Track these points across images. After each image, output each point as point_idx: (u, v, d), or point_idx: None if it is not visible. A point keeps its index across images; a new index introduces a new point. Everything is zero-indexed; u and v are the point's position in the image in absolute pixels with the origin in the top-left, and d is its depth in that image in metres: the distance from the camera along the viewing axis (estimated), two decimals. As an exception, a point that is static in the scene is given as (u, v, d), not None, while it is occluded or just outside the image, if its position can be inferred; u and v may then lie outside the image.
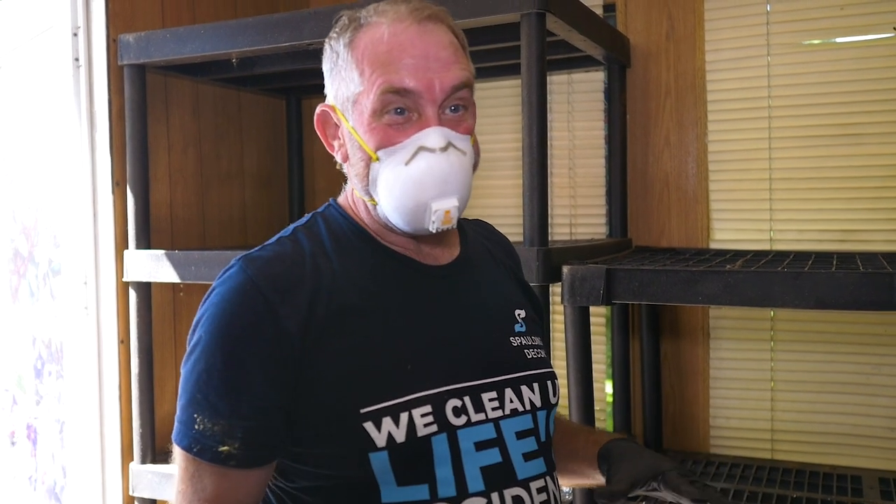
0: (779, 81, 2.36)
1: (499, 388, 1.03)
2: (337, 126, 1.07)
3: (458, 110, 1.03)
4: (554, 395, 1.10)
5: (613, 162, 2.47)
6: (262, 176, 2.87)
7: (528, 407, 1.05)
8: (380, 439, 0.93)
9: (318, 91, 2.92)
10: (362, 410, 0.94)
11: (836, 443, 2.29)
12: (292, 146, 2.97)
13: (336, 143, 1.08)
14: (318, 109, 1.09)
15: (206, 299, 1.01)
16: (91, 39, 2.26)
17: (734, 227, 2.41)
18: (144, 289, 2.24)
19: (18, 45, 2.47)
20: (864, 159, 2.26)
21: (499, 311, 1.13)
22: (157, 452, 2.26)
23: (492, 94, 2.71)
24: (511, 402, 1.04)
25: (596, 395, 2.49)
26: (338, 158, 1.09)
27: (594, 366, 1.84)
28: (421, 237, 1.08)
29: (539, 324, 1.23)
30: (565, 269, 1.72)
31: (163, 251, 2.18)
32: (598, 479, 1.16)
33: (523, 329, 1.13)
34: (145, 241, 2.23)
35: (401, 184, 0.99)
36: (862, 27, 2.27)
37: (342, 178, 1.14)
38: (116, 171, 2.26)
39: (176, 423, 0.97)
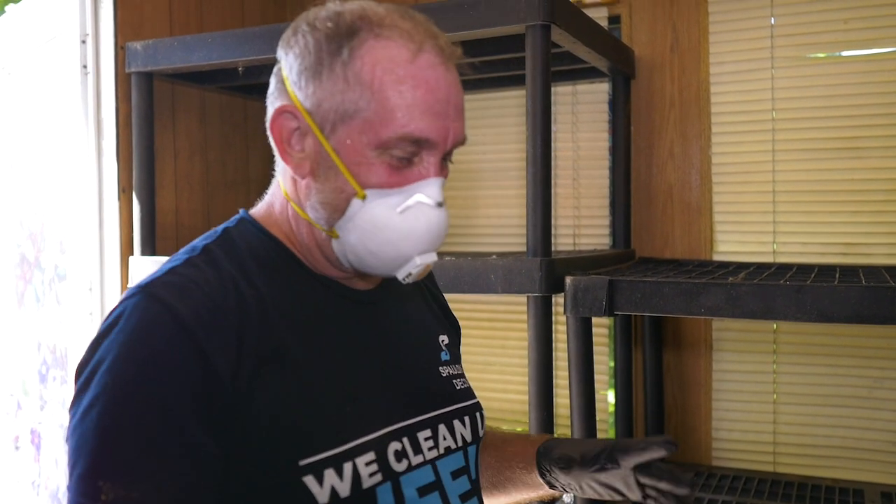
0: (782, 94, 2.36)
1: (433, 424, 0.97)
2: (301, 135, 0.91)
3: (447, 159, 0.95)
4: (482, 427, 1.06)
5: (617, 173, 2.48)
6: (267, 184, 2.87)
7: (459, 444, 1.00)
8: (322, 495, 0.82)
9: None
10: (301, 462, 0.82)
11: (838, 456, 2.29)
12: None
13: (296, 155, 0.91)
14: (276, 108, 0.91)
15: (101, 341, 0.82)
16: (99, 47, 2.27)
17: (737, 240, 2.42)
18: (149, 295, 2.24)
19: (27, 52, 2.49)
20: (867, 173, 2.27)
21: (425, 338, 1.06)
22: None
23: (496, 105, 2.72)
24: (444, 439, 0.98)
25: (598, 405, 2.50)
26: (294, 173, 0.92)
27: (596, 376, 1.84)
28: (362, 275, 0.98)
29: (457, 346, 1.16)
30: (568, 279, 1.72)
31: (167, 258, 2.18)
32: (536, 484, 1.10)
33: (448, 358, 1.07)
34: (150, 248, 2.24)
35: (389, 231, 0.89)
36: (866, 41, 2.27)
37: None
38: (123, 177, 2.27)
39: (69, 497, 0.77)
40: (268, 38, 2.06)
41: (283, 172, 0.96)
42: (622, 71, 2.41)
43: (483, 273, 1.79)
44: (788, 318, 1.57)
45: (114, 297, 2.26)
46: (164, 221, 2.40)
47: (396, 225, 0.89)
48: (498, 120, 2.71)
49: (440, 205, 0.91)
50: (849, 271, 1.98)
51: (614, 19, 2.56)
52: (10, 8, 2.58)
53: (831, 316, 1.55)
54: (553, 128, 2.56)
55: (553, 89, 2.48)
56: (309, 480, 0.82)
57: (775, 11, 2.36)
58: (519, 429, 2.69)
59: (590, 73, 2.48)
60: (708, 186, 2.44)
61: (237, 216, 0.99)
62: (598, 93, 2.60)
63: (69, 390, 2.33)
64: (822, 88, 2.32)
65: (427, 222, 0.90)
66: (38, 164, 2.45)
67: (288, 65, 0.91)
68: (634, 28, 2.53)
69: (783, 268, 2.13)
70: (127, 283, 2.24)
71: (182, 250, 0.93)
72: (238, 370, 0.81)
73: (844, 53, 2.32)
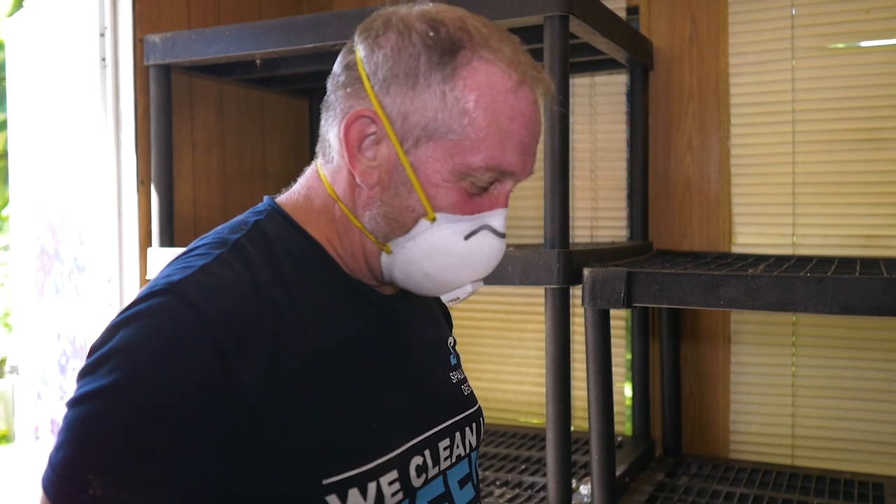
0: (803, 85, 2.34)
1: (451, 433, 0.95)
2: (377, 142, 0.84)
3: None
4: (483, 432, 1.04)
5: (635, 165, 2.47)
6: (284, 176, 2.89)
7: (467, 450, 0.98)
8: None
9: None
10: (325, 482, 0.78)
11: (857, 449, 2.27)
12: (314, 147, 2.98)
13: (367, 163, 0.85)
14: (354, 111, 0.84)
15: (119, 329, 0.76)
16: (118, 40, 2.28)
17: (756, 232, 2.40)
18: (167, 287, 2.25)
19: (46, 45, 2.50)
20: (888, 164, 2.25)
21: (437, 342, 1.02)
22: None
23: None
24: (457, 447, 0.95)
25: (615, 398, 2.49)
26: (359, 180, 0.85)
27: (613, 369, 1.83)
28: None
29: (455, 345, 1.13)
30: (586, 271, 1.72)
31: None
32: None
33: (455, 361, 1.04)
34: (169, 240, 2.25)
35: (451, 257, 0.86)
36: (887, 31, 2.25)
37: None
38: (141, 169, 2.28)
39: (53, 478, 0.73)
40: (285, 31, 2.06)
41: (336, 172, 0.89)
42: (640, 62, 2.40)
43: (501, 264, 1.77)
44: (809, 311, 1.56)
45: (132, 289, 2.28)
46: (182, 213, 2.41)
47: (460, 252, 0.86)
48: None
49: (503, 236, 0.89)
50: (870, 263, 1.97)
51: (633, 10, 2.54)
52: (28, 2, 2.60)
53: (852, 308, 1.53)
54: (570, 120, 2.54)
55: (571, 80, 2.46)
56: (332, 500, 0.78)
57: (796, 2, 2.34)
58: (535, 420, 2.69)
59: (608, 65, 2.47)
60: (727, 178, 2.42)
61: (264, 206, 0.92)
62: (616, 84, 2.59)
63: (89, 381, 2.35)
64: (842, 79, 2.30)
65: (490, 252, 0.87)
66: (58, 156, 2.47)
67: (373, 63, 0.84)
68: (653, 18, 2.51)
69: (803, 260, 2.11)
70: (145, 274, 2.25)
71: (209, 241, 0.86)
72: (268, 386, 0.76)
73: (865, 44, 2.29)
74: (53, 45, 2.47)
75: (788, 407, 2.36)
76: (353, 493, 0.79)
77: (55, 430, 2.48)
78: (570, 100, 2.54)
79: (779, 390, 2.37)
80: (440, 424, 0.93)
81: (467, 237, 0.85)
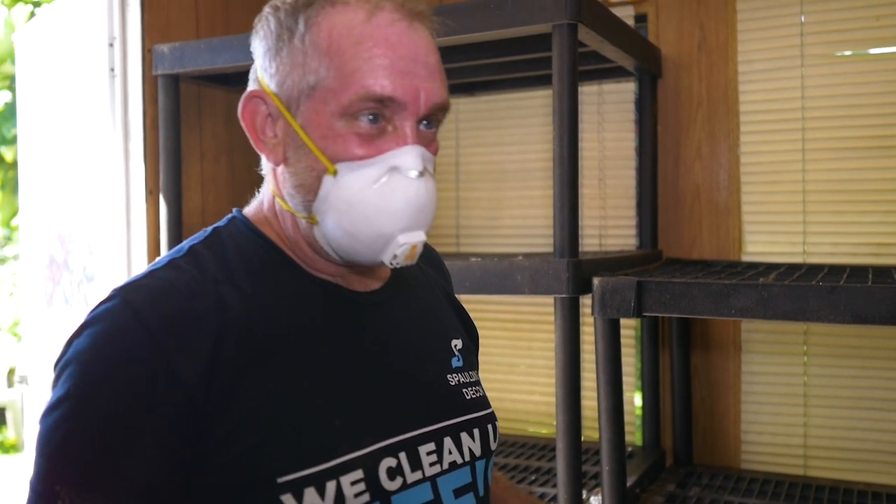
0: (812, 93, 2.33)
1: (437, 437, 0.90)
2: (273, 120, 0.87)
3: (431, 126, 0.88)
4: (494, 440, 0.98)
5: (644, 173, 2.46)
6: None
7: (467, 458, 0.93)
8: None
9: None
10: (280, 480, 0.76)
11: (870, 460, 2.25)
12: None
13: (270, 141, 0.88)
14: (246, 94, 0.89)
15: (74, 339, 0.80)
16: (126, 50, 2.29)
17: (767, 240, 2.39)
18: (176, 296, 2.25)
19: (56, 55, 2.51)
20: (898, 172, 2.23)
21: (435, 343, 0.99)
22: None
23: (522, 105, 2.71)
24: (450, 453, 0.91)
25: (625, 407, 2.48)
26: (268, 160, 0.89)
27: (623, 378, 1.82)
28: (354, 265, 0.91)
29: (474, 352, 1.10)
30: (596, 280, 1.71)
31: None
32: None
33: (460, 364, 1.00)
34: (177, 249, 2.25)
35: (364, 207, 0.83)
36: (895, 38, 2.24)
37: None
38: (150, 179, 2.28)
39: (30, 495, 0.76)
40: (293, 40, 2.07)
41: (265, 165, 0.93)
42: (649, 70, 2.39)
43: (510, 274, 1.77)
44: (821, 320, 1.55)
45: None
46: (191, 223, 2.41)
47: (370, 199, 0.82)
48: (524, 120, 2.70)
49: (421, 174, 0.84)
50: (882, 272, 1.95)
51: (641, 18, 2.54)
52: (40, 11, 2.61)
53: (865, 317, 1.52)
54: (579, 128, 2.54)
55: (579, 89, 2.46)
56: (287, 499, 0.76)
57: (805, 9, 2.33)
58: (544, 431, 2.67)
59: (616, 73, 2.46)
60: (736, 186, 2.41)
61: (229, 215, 0.95)
62: (624, 92, 2.58)
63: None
64: (852, 87, 2.28)
65: (405, 194, 0.83)
66: (67, 166, 2.47)
67: (254, 48, 0.91)
68: (661, 27, 2.50)
69: (814, 268, 2.10)
70: (154, 284, 2.25)
71: (170, 251, 0.90)
72: (212, 380, 0.77)
73: (874, 51, 2.28)
74: (63, 56, 2.48)
75: (800, 417, 2.34)
76: (310, 493, 0.77)
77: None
78: (579, 108, 2.54)
79: (790, 400, 2.35)
80: (423, 427, 0.89)
81: (375, 183, 0.83)
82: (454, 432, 0.92)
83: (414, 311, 0.99)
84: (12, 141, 5.61)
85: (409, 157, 0.83)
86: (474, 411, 0.97)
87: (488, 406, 1.01)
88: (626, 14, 2.50)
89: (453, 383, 0.96)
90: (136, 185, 2.29)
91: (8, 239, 6.59)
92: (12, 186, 5.89)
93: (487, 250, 2.71)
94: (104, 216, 2.31)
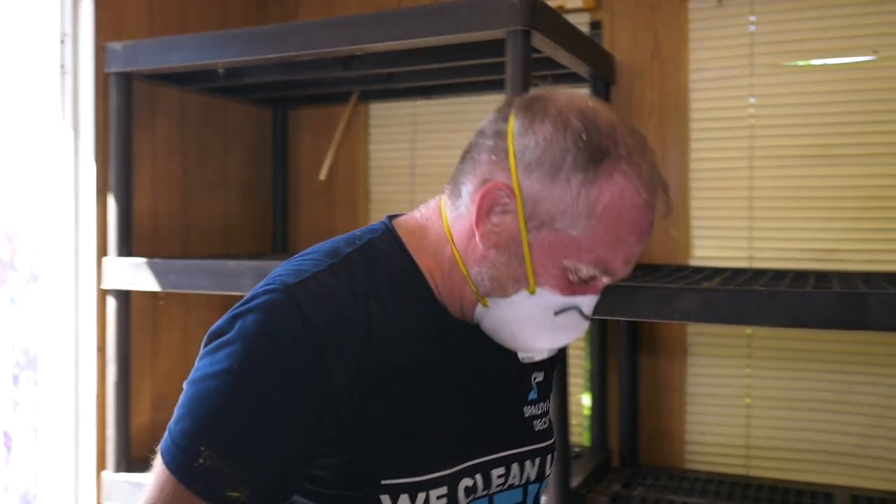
0: (761, 102, 2.39)
1: (507, 462, 1.01)
2: (504, 212, 0.91)
3: None
4: (550, 467, 1.08)
5: (596, 178, 2.48)
6: (246, 186, 2.88)
7: (523, 481, 1.04)
8: None
9: (305, 102, 2.94)
10: (383, 482, 0.89)
11: (810, 459, 2.31)
12: (277, 156, 2.97)
13: (491, 228, 0.91)
14: (493, 184, 0.91)
15: (237, 319, 0.88)
16: (78, 47, 2.26)
17: (714, 245, 2.44)
18: (123, 297, 2.23)
19: (4, 51, 2.47)
20: (843, 180, 2.29)
21: (517, 374, 1.06)
22: (131, 462, 2.25)
23: (478, 109, 2.73)
24: (513, 477, 1.02)
25: (574, 408, 2.51)
26: (478, 238, 0.93)
27: (572, 379, 1.85)
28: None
29: (551, 379, 1.17)
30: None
31: (143, 259, 2.18)
32: None
33: (535, 396, 1.08)
34: (126, 249, 2.23)
35: (538, 327, 0.93)
36: (843, 49, 2.30)
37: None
38: (100, 178, 2.26)
39: (170, 445, 0.85)
40: (248, 40, 2.06)
41: (458, 217, 0.95)
42: (603, 76, 2.43)
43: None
44: (762, 324, 1.59)
45: (88, 299, 2.25)
46: (142, 223, 2.39)
47: (548, 325, 0.93)
48: (478, 124, 2.71)
49: (589, 318, 0.95)
50: (823, 277, 2.01)
51: (596, 25, 2.57)
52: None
53: (804, 321, 1.57)
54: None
55: (533, 94, 2.48)
56: (385, 499, 0.88)
57: (755, 20, 2.38)
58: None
59: (571, 79, 2.49)
60: (685, 192, 2.45)
61: (382, 224, 1.00)
62: (578, 98, 2.61)
63: (41, 392, 2.31)
64: (799, 96, 2.34)
65: (574, 330, 0.95)
66: (16, 164, 2.43)
67: (523, 144, 0.90)
68: (616, 34, 2.54)
69: (759, 273, 2.15)
70: (101, 283, 2.23)
71: (326, 248, 0.95)
72: (354, 382, 0.87)
73: (822, 62, 2.34)
74: (12, 52, 2.43)
75: (743, 418, 2.39)
76: (404, 498, 0.89)
77: (7, 442, 2.44)
78: (534, 113, 2.56)
79: (734, 401, 2.40)
80: (498, 453, 1.00)
81: (557, 313, 0.92)
82: (521, 459, 1.03)
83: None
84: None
85: (589, 304, 0.94)
86: (540, 441, 1.07)
87: (552, 436, 1.10)
88: (581, 21, 2.53)
89: (527, 415, 1.06)
90: (86, 184, 2.26)
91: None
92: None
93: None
94: (52, 215, 2.28)
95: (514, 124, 0.92)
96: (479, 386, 0.99)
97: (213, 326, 0.89)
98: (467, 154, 0.97)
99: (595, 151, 0.87)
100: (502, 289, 0.92)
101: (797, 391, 2.33)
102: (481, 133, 0.96)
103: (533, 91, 0.96)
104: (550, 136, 0.89)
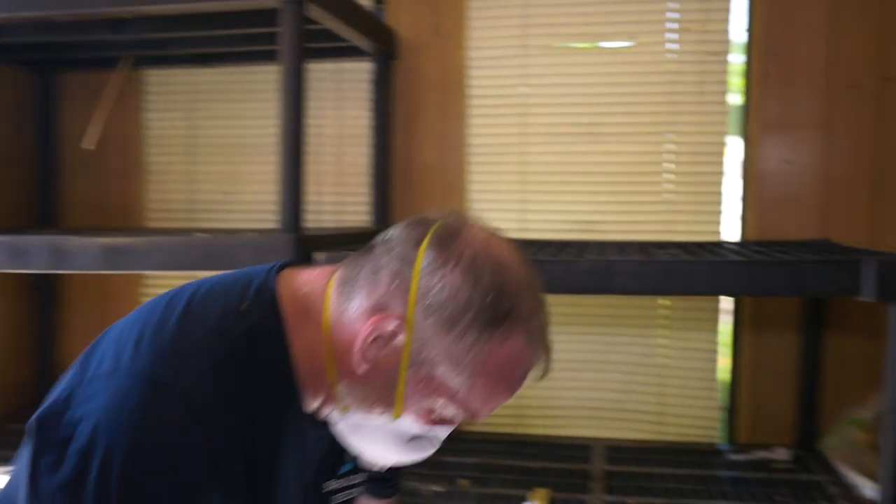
0: (533, 81, 2.52)
1: None
2: (387, 342, 0.88)
3: None
4: None
5: (378, 152, 2.53)
6: (3, 155, 2.66)
7: None
8: None
9: (73, 66, 2.74)
10: None
11: (574, 416, 2.50)
12: (40, 124, 2.76)
13: (373, 353, 0.89)
14: (386, 316, 0.87)
15: (109, 419, 0.81)
16: None
17: (490, 217, 2.50)
18: None
19: None
20: (603, 156, 2.48)
21: (331, 447, 1.04)
22: None
23: (259, 79, 2.68)
24: None
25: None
26: (356, 359, 0.89)
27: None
28: None
29: None
30: (318, 256, 1.74)
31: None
32: None
33: (350, 467, 1.08)
34: None
35: (392, 448, 0.94)
36: (606, 35, 2.49)
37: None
38: None
39: None
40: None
41: (342, 316, 0.90)
42: (384, 51, 2.46)
43: (233, 250, 1.77)
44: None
45: None
46: None
47: (401, 448, 0.94)
48: (260, 94, 2.67)
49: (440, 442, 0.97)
50: (583, 247, 2.16)
51: (379, 0, 2.59)
52: None
53: (560, 288, 1.69)
54: (318, 105, 2.56)
55: (317, 66, 2.47)
56: None
57: (529, 2, 2.50)
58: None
59: (354, 52, 2.50)
60: (464, 166, 2.55)
61: (270, 292, 0.92)
62: (362, 71, 2.63)
63: None
64: (567, 77, 2.50)
65: (423, 454, 0.95)
66: None
67: (428, 285, 0.86)
68: (400, 9, 2.58)
69: (527, 244, 2.27)
70: None
71: (212, 322, 0.88)
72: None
73: (586, 45, 2.51)
74: None
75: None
76: None
77: None
78: (319, 84, 2.56)
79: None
80: None
81: (412, 440, 0.93)
82: None
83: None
84: None
85: (445, 433, 0.94)
86: None
87: None
88: (363, -5, 2.54)
89: (328, 490, 1.05)
90: None
91: None
92: None
93: (219, 226, 2.65)
94: None
95: (423, 259, 0.88)
96: (309, 464, 1.00)
97: (40, 418, 0.83)
98: (369, 256, 0.92)
99: (496, 313, 0.86)
100: (367, 409, 0.91)
101: (562, 353, 2.48)
102: (388, 246, 0.91)
103: (449, 214, 0.93)
104: (458, 288, 0.86)
